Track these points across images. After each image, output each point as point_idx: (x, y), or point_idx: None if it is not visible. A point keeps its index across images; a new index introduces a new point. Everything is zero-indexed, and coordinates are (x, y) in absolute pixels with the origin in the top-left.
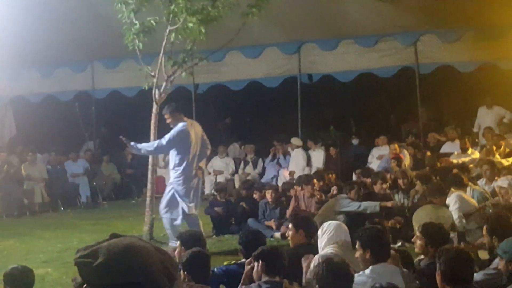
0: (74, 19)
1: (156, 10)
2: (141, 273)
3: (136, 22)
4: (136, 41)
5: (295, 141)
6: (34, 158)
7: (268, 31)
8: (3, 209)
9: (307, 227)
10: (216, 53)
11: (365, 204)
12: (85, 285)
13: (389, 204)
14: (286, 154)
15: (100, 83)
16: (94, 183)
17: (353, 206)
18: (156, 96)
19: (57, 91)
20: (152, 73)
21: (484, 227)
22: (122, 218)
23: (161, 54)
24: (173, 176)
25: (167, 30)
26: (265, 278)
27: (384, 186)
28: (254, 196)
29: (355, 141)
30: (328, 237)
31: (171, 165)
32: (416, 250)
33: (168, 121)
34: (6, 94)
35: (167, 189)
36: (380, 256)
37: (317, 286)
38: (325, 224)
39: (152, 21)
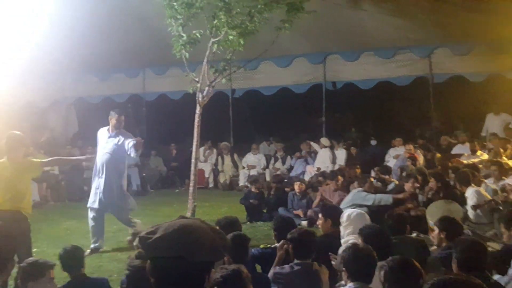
0: (129, 32)
1: (201, 24)
2: (186, 249)
3: (184, 34)
4: (183, 51)
5: (324, 141)
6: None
7: (297, 44)
8: (67, 194)
9: (335, 216)
10: (252, 62)
11: (379, 197)
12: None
13: (400, 196)
14: (311, 154)
15: (150, 87)
16: (143, 174)
17: (369, 199)
18: (199, 99)
19: (113, 94)
20: (196, 79)
21: (502, 222)
22: (167, 204)
23: (204, 63)
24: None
25: (210, 42)
26: (296, 260)
27: (416, 185)
28: (286, 189)
29: (373, 142)
30: (352, 227)
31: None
32: (432, 240)
33: (122, 123)
34: (71, 96)
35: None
36: (381, 255)
37: (344, 269)
38: (350, 214)
39: (198, 34)
